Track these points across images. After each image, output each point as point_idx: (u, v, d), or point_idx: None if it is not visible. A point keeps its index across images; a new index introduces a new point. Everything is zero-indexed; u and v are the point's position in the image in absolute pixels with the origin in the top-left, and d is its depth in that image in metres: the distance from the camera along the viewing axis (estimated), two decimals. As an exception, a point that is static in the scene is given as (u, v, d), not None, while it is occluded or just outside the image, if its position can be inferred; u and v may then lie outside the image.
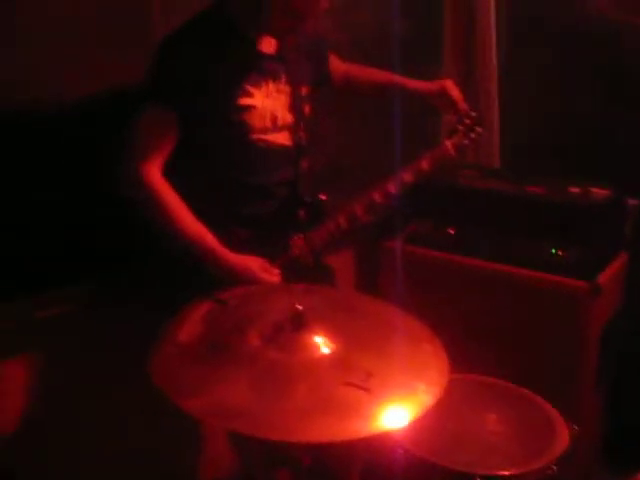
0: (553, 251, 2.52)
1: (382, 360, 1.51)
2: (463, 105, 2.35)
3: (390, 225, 2.92)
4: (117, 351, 2.15)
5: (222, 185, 2.05)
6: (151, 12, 2.22)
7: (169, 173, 1.94)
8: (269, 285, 1.94)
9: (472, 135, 2.38)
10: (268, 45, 2.05)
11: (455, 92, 2.34)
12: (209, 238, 1.94)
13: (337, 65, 2.39)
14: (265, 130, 2.05)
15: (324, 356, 1.50)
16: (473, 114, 2.37)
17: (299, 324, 1.52)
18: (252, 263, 1.98)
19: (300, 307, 1.53)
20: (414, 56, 3.09)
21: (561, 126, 3.07)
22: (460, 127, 2.36)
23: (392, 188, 2.24)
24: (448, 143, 2.33)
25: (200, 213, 1.94)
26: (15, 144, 2.00)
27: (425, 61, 3.19)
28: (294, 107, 2.11)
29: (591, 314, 2.45)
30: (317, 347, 1.51)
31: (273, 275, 2.01)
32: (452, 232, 2.74)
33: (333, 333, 1.55)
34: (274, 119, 2.06)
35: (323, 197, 2.21)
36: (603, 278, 2.48)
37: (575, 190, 2.57)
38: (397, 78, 2.42)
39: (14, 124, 1.99)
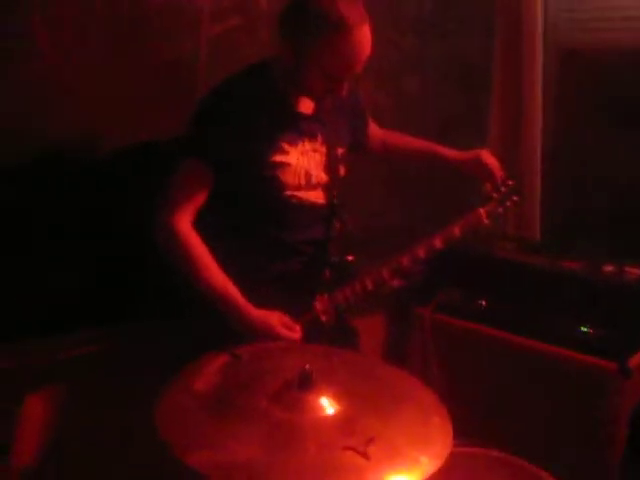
0: (584, 329, 2.47)
1: (387, 427, 1.50)
2: (499, 173, 2.35)
3: (422, 291, 2.92)
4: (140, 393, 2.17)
5: (251, 240, 2.07)
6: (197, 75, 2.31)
7: (200, 224, 1.98)
8: (285, 344, 1.94)
9: (507, 203, 2.37)
10: (306, 105, 2.10)
11: (491, 160, 2.35)
12: (233, 291, 1.96)
13: (375, 131, 2.43)
14: (298, 187, 2.08)
15: (328, 417, 1.50)
16: (510, 182, 2.37)
17: (306, 384, 1.52)
18: (273, 319, 1.98)
19: (308, 367, 1.53)
20: (459, 126, 3.14)
21: (605, 200, 3.06)
22: (495, 195, 2.35)
23: (421, 253, 2.24)
24: (482, 211, 2.32)
25: (227, 266, 1.97)
26: (65, 185, 2.10)
27: (470, 132, 3.23)
28: (329, 167, 2.14)
29: (620, 396, 2.38)
30: (322, 408, 1.51)
31: (294, 332, 2.01)
32: (484, 303, 2.72)
33: (341, 395, 1.55)
34: (308, 177, 2.09)
35: (350, 258, 2.22)
36: (634, 360, 2.41)
37: (609, 268, 2.53)
38: (434, 147, 2.44)
39: (72, 170, 2.11)
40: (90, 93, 2.09)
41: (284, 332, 1.98)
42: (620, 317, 2.43)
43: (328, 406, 1.52)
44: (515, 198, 2.38)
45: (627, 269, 2.51)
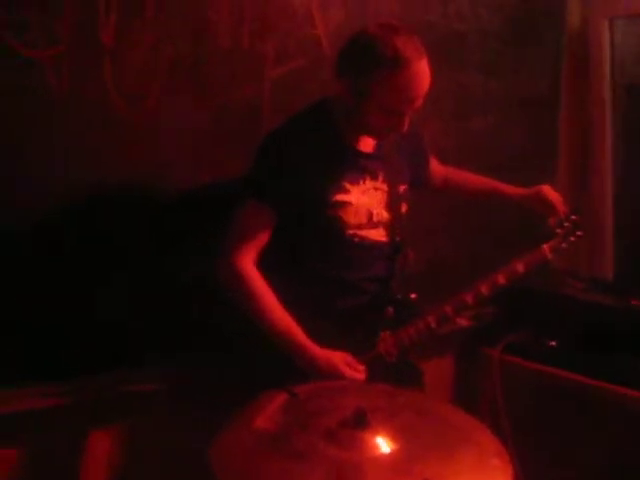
0: (657, 370, 2.38)
1: (444, 468, 1.46)
2: (562, 207, 2.32)
3: (491, 332, 2.87)
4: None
5: (314, 279, 2.08)
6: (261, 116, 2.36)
7: (264, 265, 2.00)
8: (344, 382, 1.93)
9: (571, 239, 2.32)
10: (366, 144, 2.11)
11: (553, 195, 2.33)
12: (297, 332, 1.97)
13: (437, 168, 2.42)
14: (360, 226, 2.08)
15: (384, 456, 1.47)
16: (574, 217, 2.32)
17: (361, 422, 1.51)
18: (337, 359, 1.98)
19: (363, 405, 1.51)
20: (527, 166, 3.11)
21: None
22: (559, 230, 2.31)
23: (485, 290, 2.21)
24: (545, 247, 2.28)
25: (290, 305, 1.98)
26: (128, 224, 2.16)
27: (538, 172, 3.18)
28: (390, 204, 2.14)
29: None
30: (377, 447, 1.49)
31: (358, 372, 2.00)
32: (553, 344, 2.65)
33: (398, 434, 1.52)
34: (369, 215, 2.09)
35: (413, 296, 2.20)
36: None
37: (681, 307, 2.44)
38: (496, 183, 2.44)
39: (137, 211, 2.18)
40: (157, 135, 2.15)
41: (349, 372, 1.98)
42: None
43: (384, 445, 1.49)
44: (579, 233, 2.33)
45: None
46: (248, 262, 1.98)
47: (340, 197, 2.03)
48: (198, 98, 2.21)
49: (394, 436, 1.52)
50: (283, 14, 2.34)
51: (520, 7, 3.04)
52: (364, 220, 2.08)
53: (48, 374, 2.05)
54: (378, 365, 2.08)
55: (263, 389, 1.74)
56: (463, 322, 2.98)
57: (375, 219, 2.11)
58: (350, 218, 2.05)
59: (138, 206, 2.16)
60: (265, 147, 2.05)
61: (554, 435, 2.42)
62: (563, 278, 2.98)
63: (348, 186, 2.05)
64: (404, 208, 2.19)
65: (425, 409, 1.76)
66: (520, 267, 2.24)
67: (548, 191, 2.33)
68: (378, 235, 2.13)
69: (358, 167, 2.08)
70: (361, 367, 2.02)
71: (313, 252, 2.07)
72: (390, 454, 1.48)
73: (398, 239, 2.18)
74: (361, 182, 2.08)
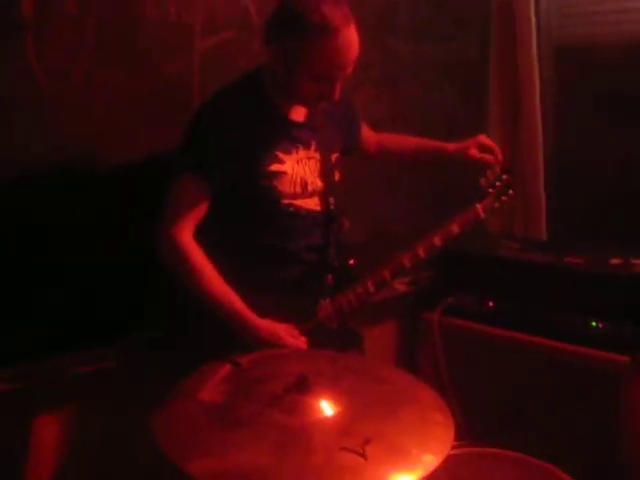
0: (593, 324, 2.45)
1: (387, 427, 1.48)
2: (500, 155, 2.34)
3: (429, 296, 2.91)
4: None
5: (252, 249, 2.08)
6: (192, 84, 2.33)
7: (200, 237, 1.99)
8: (287, 350, 1.94)
9: (503, 198, 2.35)
10: (298, 113, 2.11)
11: (489, 141, 2.36)
12: (237, 302, 1.97)
13: (368, 134, 2.43)
14: (295, 195, 2.08)
15: (327, 419, 1.49)
16: (505, 176, 2.35)
17: (304, 387, 1.52)
18: (279, 329, 1.99)
19: (305, 370, 1.53)
20: (459, 130, 3.14)
21: (607, 195, 3.04)
22: (491, 190, 2.33)
23: (421, 252, 2.23)
24: (478, 206, 2.30)
25: (230, 276, 1.97)
26: (65, 200, 2.11)
27: (470, 135, 3.22)
28: (324, 173, 2.14)
29: (633, 390, 2.36)
30: (321, 410, 1.50)
31: (300, 341, 2.02)
32: (491, 304, 2.71)
33: (341, 398, 1.54)
34: (304, 185, 2.09)
35: (351, 262, 2.21)
36: (646, 353, 2.39)
37: (616, 261, 2.52)
38: (432, 142, 2.45)
39: (72, 185, 2.12)
40: (86, 110, 2.11)
41: (291, 341, 1.99)
42: (629, 310, 2.41)
43: (327, 408, 1.51)
44: (511, 192, 2.36)
45: (634, 261, 2.49)
46: (186, 235, 1.97)
47: (275, 167, 2.03)
48: (126, 71, 2.16)
49: (337, 399, 1.54)
50: (210, -16, 2.31)
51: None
52: (299, 190, 2.08)
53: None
54: (320, 332, 2.10)
55: (206, 360, 1.75)
56: (402, 288, 3.02)
57: (310, 188, 2.11)
58: (285, 188, 2.05)
59: (69, 183, 2.11)
60: (197, 119, 2.03)
61: (496, 391, 2.48)
62: (498, 239, 3.04)
63: (282, 156, 2.05)
64: (337, 176, 2.20)
65: (367, 371, 1.79)
66: (455, 227, 2.27)
67: (484, 139, 2.36)
68: (313, 204, 2.13)
69: (291, 137, 2.08)
70: (302, 338, 2.03)
71: (249, 223, 2.07)
72: (334, 417, 1.50)
73: (332, 207, 2.18)
74: (294, 152, 2.08)
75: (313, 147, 2.12)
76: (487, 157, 2.34)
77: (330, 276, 2.17)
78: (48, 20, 1.99)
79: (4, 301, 2.01)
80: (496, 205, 2.34)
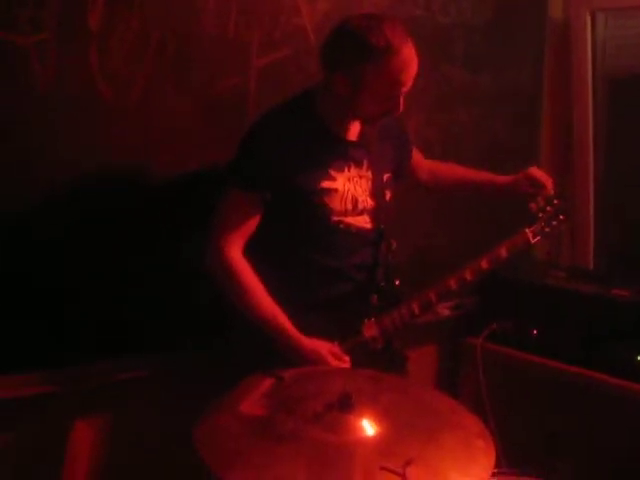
0: (639, 358, 2.41)
1: (428, 450, 1.49)
2: (551, 187, 2.33)
3: (474, 321, 2.90)
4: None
5: (299, 265, 2.09)
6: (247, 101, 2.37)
7: (250, 253, 2.02)
8: (330, 367, 1.95)
9: (554, 223, 2.35)
10: (351, 132, 2.12)
11: (541, 174, 2.35)
12: (283, 320, 1.98)
13: (420, 160, 2.44)
14: (345, 213, 2.09)
15: (369, 439, 1.49)
16: (556, 201, 2.35)
17: (347, 405, 1.53)
18: (322, 348, 2.00)
19: (349, 388, 1.53)
20: (510, 158, 3.14)
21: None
22: (541, 215, 2.33)
23: (468, 275, 2.23)
24: (528, 231, 2.31)
25: (275, 292, 1.99)
26: (113, 211, 2.14)
27: (521, 164, 3.21)
28: (375, 192, 2.15)
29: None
30: (362, 429, 1.51)
31: (343, 361, 2.02)
32: (535, 332, 2.68)
33: (383, 418, 1.55)
34: (355, 202, 2.10)
35: (397, 282, 2.21)
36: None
37: (662, 295, 2.48)
38: (484, 174, 2.46)
39: (122, 195, 2.16)
40: (143, 122, 2.15)
41: (334, 362, 2.00)
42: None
43: (369, 428, 1.52)
44: (562, 217, 2.36)
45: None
46: (236, 251, 1.99)
47: (326, 184, 2.05)
48: (184, 85, 2.20)
49: (379, 419, 1.54)
50: (269, 3, 2.34)
51: (503, 1, 3.06)
52: (350, 207, 2.10)
53: (32, 362, 2.04)
54: (363, 352, 2.10)
55: (247, 374, 1.76)
56: (445, 312, 3.01)
57: (360, 206, 2.12)
58: (336, 205, 2.07)
59: (124, 193, 2.15)
60: (250, 135, 2.05)
61: (536, 420, 2.45)
62: (545, 268, 3.01)
63: (333, 173, 2.06)
64: (388, 196, 2.20)
65: (409, 393, 1.79)
66: (503, 252, 2.27)
67: (536, 171, 2.36)
68: (363, 222, 2.14)
69: (343, 155, 2.10)
70: (346, 358, 2.03)
71: (298, 239, 2.08)
72: (375, 436, 1.51)
73: (382, 226, 2.19)
74: (346, 169, 2.09)
75: (365, 166, 2.14)
76: (537, 190, 2.34)
77: (375, 296, 2.17)
78: (113, 32, 2.05)
79: (44, 302, 2.04)
80: (546, 230, 2.33)
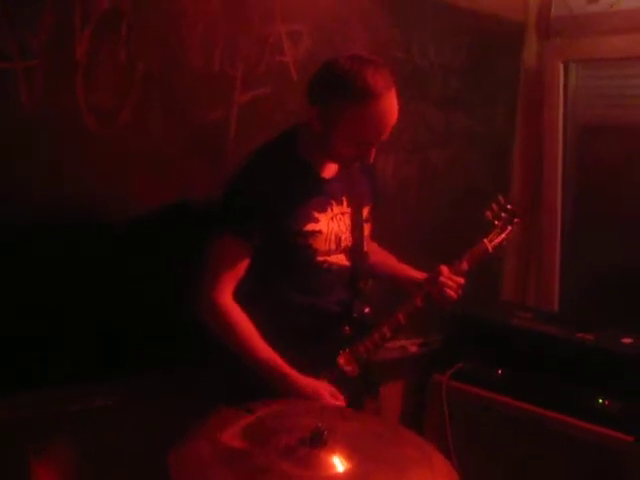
0: (600, 401, 2.47)
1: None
2: (454, 293, 2.25)
3: (440, 359, 2.94)
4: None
5: (280, 302, 2.10)
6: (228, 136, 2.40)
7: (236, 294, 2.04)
8: (303, 403, 1.97)
9: (509, 228, 2.37)
10: (329, 170, 2.14)
11: (451, 277, 2.26)
12: (279, 361, 1.99)
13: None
14: (329, 252, 2.12)
15: (339, 476, 1.52)
16: (509, 207, 2.37)
17: (318, 441, 1.55)
18: (322, 389, 2.02)
19: (321, 425, 1.56)
20: (482, 196, 3.20)
21: (624, 275, 3.09)
22: (497, 223, 2.36)
23: (431, 289, 2.24)
24: (486, 240, 2.32)
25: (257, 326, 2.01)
26: (93, 239, 2.16)
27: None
28: (354, 228, 2.17)
29: (637, 471, 2.37)
30: (333, 466, 1.53)
31: (339, 401, 2.03)
32: (500, 372, 2.73)
33: (352, 454, 1.57)
34: (338, 241, 2.13)
35: (367, 310, 2.23)
36: (652, 434, 2.41)
37: (627, 340, 2.54)
38: (405, 270, 2.41)
39: (102, 225, 2.17)
40: (125, 152, 2.17)
41: (332, 401, 2.01)
42: (637, 390, 2.43)
43: (339, 464, 1.54)
44: (517, 220, 2.38)
45: (645, 342, 2.52)
46: (226, 296, 2.01)
47: (311, 227, 2.07)
48: (168, 117, 2.24)
49: (350, 456, 1.56)
50: (254, 40, 2.39)
51: (480, 46, 3.15)
52: (333, 246, 2.12)
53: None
54: (340, 380, 2.11)
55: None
56: (413, 348, 3.05)
57: (343, 244, 2.15)
58: (320, 245, 2.09)
59: (103, 222, 2.17)
60: (236, 181, 2.05)
61: (500, 459, 2.49)
62: (511, 308, 3.08)
63: (317, 215, 2.08)
64: (367, 230, 2.23)
65: (380, 431, 1.81)
66: (465, 264, 2.28)
67: (444, 271, 2.26)
68: (344, 259, 2.17)
69: (324, 193, 2.12)
70: (341, 397, 2.04)
71: (281, 278, 2.10)
72: (345, 473, 1.53)
73: (362, 262, 2.21)
74: (328, 209, 2.12)
75: (345, 202, 2.16)
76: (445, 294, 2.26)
77: (347, 327, 2.19)
78: (99, 63, 2.07)
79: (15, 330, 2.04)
80: (503, 236, 2.35)
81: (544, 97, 3.26)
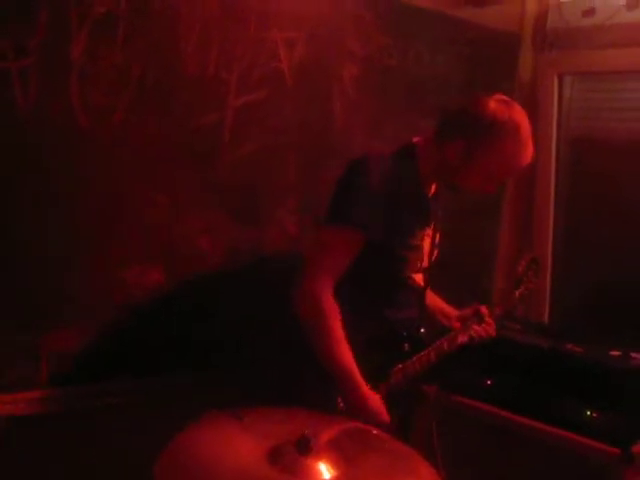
0: (588, 413, 2.48)
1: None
2: (493, 330, 2.46)
3: (428, 370, 2.93)
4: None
5: (361, 312, 2.10)
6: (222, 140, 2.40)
7: None
8: (291, 409, 1.96)
9: (531, 285, 2.54)
10: (430, 190, 2.21)
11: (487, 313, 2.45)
12: (357, 373, 2.01)
13: None
14: (416, 269, 2.18)
15: (324, 483, 1.52)
16: (534, 265, 2.55)
17: (305, 448, 1.55)
18: (384, 413, 2.05)
19: (308, 432, 1.56)
20: (475, 211, 3.22)
21: (614, 288, 3.10)
22: (525, 278, 2.52)
23: (476, 328, 2.41)
24: (517, 293, 2.51)
25: None
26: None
27: (485, 218, 3.31)
28: (432, 250, 2.24)
29: (622, 483, 2.37)
30: (319, 473, 1.53)
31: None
32: (489, 382, 2.73)
33: (339, 462, 1.57)
34: (423, 260, 2.19)
35: (423, 330, 2.29)
36: (638, 447, 2.40)
37: (615, 353, 2.55)
38: (445, 307, 2.53)
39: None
40: (118, 152, 2.18)
41: (386, 419, 2.04)
42: (625, 402, 2.44)
43: (326, 471, 1.54)
44: (538, 277, 2.56)
45: (633, 355, 2.53)
46: (328, 292, 2.01)
47: (414, 241, 2.13)
48: (162, 119, 2.24)
49: (336, 463, 1.56)
50: (250, 46, 2.39)
51: (475, 57, 3.16)
52: (420, 264, 2.19)
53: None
54: (390, 395, 2.16)
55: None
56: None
57: (423, 264, 2.21)
58: (414, 261, 2.16)
59: (98, 220, 2.17)
60: (356, 175, 2.07)
61: (486, 469, 2.49)
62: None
63: (418, 231, 2.15)
64: (435, 255, 2.27)
65: (366, 438, 1.81)
66: (498, 311, 2.48)
67: (484, 310, 2.45)
68: (420, 279, 2.23)
69: (427, 213, 2.19)
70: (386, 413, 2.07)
71: (368, 286, 2.11)
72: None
73: (429, 284, 2.28)
74: (427, 228, 2.19)
75: (432, 225, 2.22)
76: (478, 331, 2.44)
77: (407, 344, 2.23)
78: (94, 64, 2.08)
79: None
80: (527, 290, 2.53)
81: (538, 109, 3.27)
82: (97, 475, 2.24)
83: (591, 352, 2.61)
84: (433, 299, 2.48)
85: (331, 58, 2.54)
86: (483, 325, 2.42)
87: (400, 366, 2.20)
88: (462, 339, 2.38)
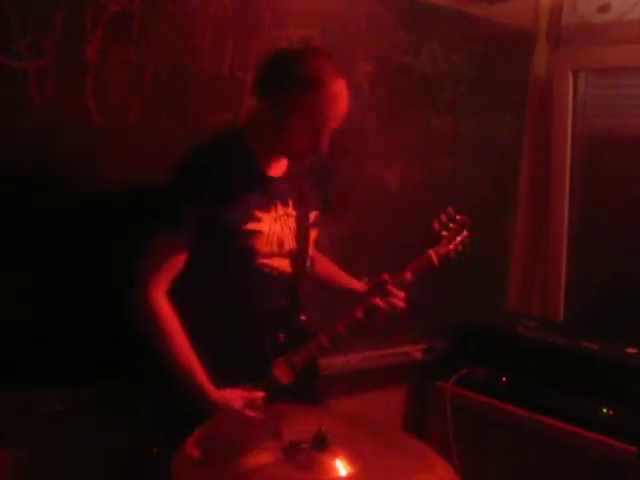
0: (604, 410, 2.47)
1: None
2: (402, 299, 2.21)
3: (444, 366, 2.94)
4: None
5: (217, 306, 2.04)
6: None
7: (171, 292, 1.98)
8: (309, 407, 1.96)
9: (457, 239, 2.29)
10: (277, 169, 2.10)
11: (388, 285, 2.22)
12: (199, 373, 1.94)
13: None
14: (271, 255, 2.06)
15: (340, 478, 1.52)
16: (458, 217, 2.29)
17: (321, 445, 1.55)
18: (235, 401, 1.95)
19: (324, 429, 1.56)
20: (489, 204, 3.21)
21: (630, 284, 3.08)
22: (444, 233, 2.27)
23: (377, 301, 2.17)
24: (431, 251, 2.24)
25: (191, 332, 1.96)
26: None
27: (499, 211, 3.30)
28: (299, 233, 2.12)
29: (639, 480, 2.36)
30: (335, 470, 1.53)
31: (256, 399, 1.98)
32: (504, 380, 2.73)
33: (355, 459, 1.57)
34: (281, 244, 2.07)
35: (303, 318, 2.15)
36: (654, 445, 2.40)
37: (631, 350, 2.54)
38: (346, 280, 2.38)
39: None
40: (133, 151, 2.19)
41: (248, 413, 1.86)
42: (640, 400, 2.43)
43: (342, 468, 1.54)
44: (465, 233, 2.30)
45: (650, 353, 2.52)
46: (160, 296, 1.96)
47: (252, 226, 2.01)
48: (177, 118, 2.25)
49: (352, 460, 1.56)
50: (265, 44, 2.39)
51: (490, 54, 3.16)
52: (276, 249, 2.06)
53: None
54: (276, 390, 2.05)
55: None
56: (417, 354, 3.05)
57: (286, 248, 2.09)
58: (262, 247, 2.03)
59: (109, 219, 2.17)
60: (175, 176, 2.00)
61: (502, 467, 2.49)
62: (516, 317, 3.07)
63: (259, 214, 2.02)
64: (313, 235, 2.17)
65: (381, 435, 1.80)
66: (408, 275, 2.21)
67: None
68: (286, 265, 2.10)
69: (269, 193, 2.06)
70: (259, 394, 1.99)
71: (218, 280, 2.04)
72: (347, 477, 1.52)
73: (304, 270, 2.15)
74: (272, 209, 2.06)
75: (291, 204, 2.10)
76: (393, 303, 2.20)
77: (282, 335, 2.12)
78: (109, 64, 2.10)
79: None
80: (451, 247, 2.27)
81: (553, 105, 3.26)
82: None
83: (607, 349, 2.59)
84: (337, 277, 2.37)
85: (346, 55, 2.54)
86: (387, 298, 2.16)
87: (282, 359, 2.08)
88: (359, 316, 2.14)
